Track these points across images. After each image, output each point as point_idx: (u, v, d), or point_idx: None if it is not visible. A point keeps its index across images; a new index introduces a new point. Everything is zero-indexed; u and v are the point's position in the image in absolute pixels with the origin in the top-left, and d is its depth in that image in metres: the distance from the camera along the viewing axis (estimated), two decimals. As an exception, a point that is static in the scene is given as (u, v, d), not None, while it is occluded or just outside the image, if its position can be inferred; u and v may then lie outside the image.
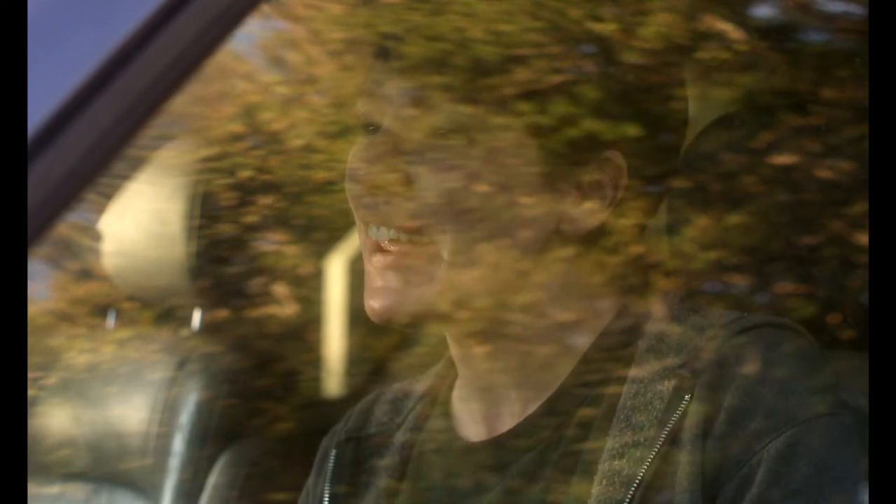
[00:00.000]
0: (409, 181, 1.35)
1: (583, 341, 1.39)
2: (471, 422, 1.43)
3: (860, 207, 1.51)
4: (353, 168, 1.37)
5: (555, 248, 1.37)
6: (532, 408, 1.38)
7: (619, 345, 1.37)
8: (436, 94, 1.35)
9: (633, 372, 1.34)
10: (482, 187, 1.33)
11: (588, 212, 1.36)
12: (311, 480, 1.54)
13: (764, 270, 1.58)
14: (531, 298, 1.37)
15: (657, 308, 1.39)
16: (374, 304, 1.36)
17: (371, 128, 1.38)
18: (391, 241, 1.35)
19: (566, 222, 1.36)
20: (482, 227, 1.33)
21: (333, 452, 1.49)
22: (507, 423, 1.39)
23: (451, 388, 1.47)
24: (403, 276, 1.35)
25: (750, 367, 1.30)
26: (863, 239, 1.50)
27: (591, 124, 1.36)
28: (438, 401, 1.47)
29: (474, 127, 1.34)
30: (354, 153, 1.38)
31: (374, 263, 1.36)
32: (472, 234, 1.34)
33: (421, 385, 1.51)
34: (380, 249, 1.36)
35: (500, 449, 1.38)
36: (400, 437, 1.47)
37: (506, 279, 1.36)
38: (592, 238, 1.37)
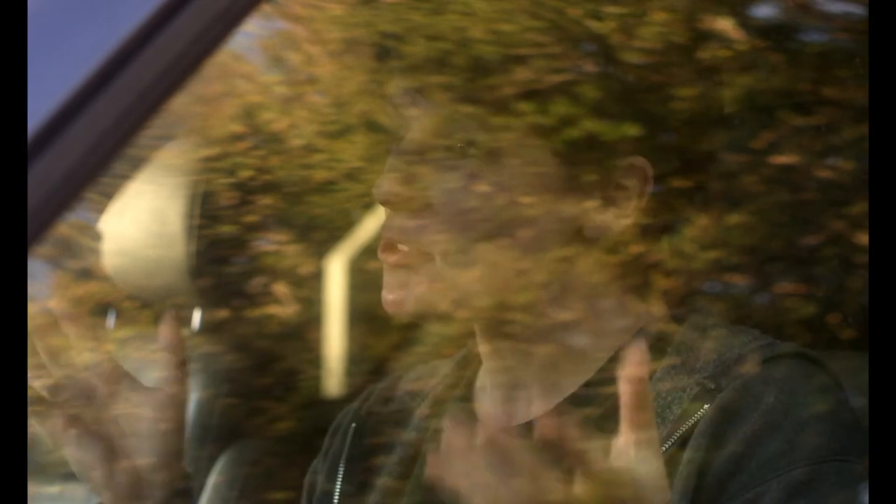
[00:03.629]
0: (427, 195, 1.36)
1: (611, 343, 1.40)
2: (491, 409, 1.44)
3: (860, 207, 1.51)
4: (378, 183, 1.39)
5: (583, 252, 1.38)
6: (553, 403, 1.39)
7: (651, 348, 1.37)
8: (444, 99, 1.36)
9: (655, 376, 1.35)
10: (505, 195, 1.35)
11: (612, 217, 1.37)
12: (320, 458, 1.54)
13: (764, 270, 1.58)
14: (561, 300, 1.38)
15: (685, 318, 1.39)
16: (387, 296, 1.39)
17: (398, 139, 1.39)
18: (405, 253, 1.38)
19: (590, 227, 1.37)
20: (501, 233, 1.35)
21: (353, 426, 1.51)
22: (528, 415, 1.40)
23: (474, 374, 1.49)
24: (411, 274, 1.37)
25: (775, 396, 1.29)
26: (863, 239, 1.50)
27: (615, 131, 1.37)
28: (461, 385, 1.49)
29: (495, 137, 1.35)
30: (386, 165, 1.40)
31: (386, 259, 1.39)
32: (489, 240, 1.35)
33: (444, 369, 1.53)
34: (391, 248, 1.39)
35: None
36: (420, 415, 1.49)
37: (528, 282, 1.37)
38: (621, 242, 1.38)
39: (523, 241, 1.36)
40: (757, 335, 1.36)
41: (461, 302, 1.37)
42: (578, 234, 1.37)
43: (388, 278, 1.39)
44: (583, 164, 1.36)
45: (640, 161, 1.37)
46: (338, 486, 1.48)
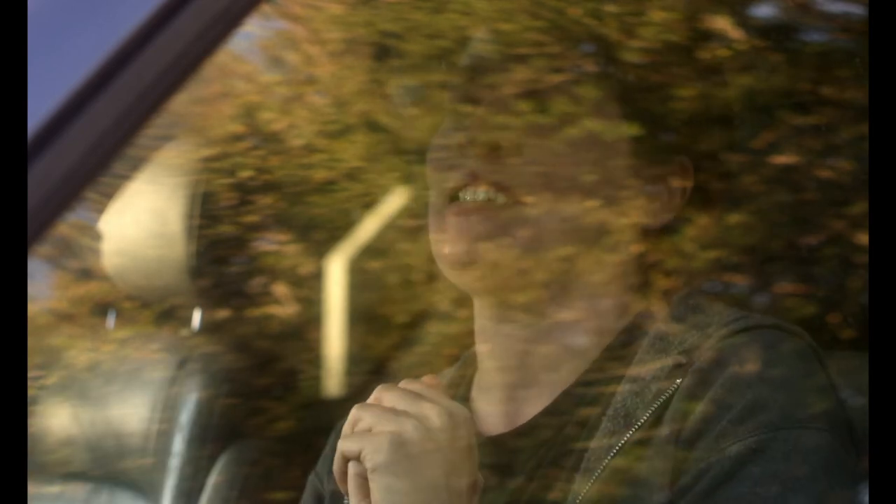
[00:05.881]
0: (509, 146, 1.37)
1: (603, 338, 1.41)
2: (490, 416, 1.44)
3: (860, 207, 1.51)
4: (452, 133, 1.38)
5: (612, 242, 1.39)
6: (548, 401, 1.40)
7: (636, 342, 1.38)
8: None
9: (635, 368, 1.35)
10: (575, 167, 1.36)
11: (655, 211, 1.40)
12: (324, 461, 1.54)
13: (764, 270, 1.58)
14: (559, 298, 1.39)
15: (665, 306, 1.40)
16: (450, 249, 1.37)
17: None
18: (485, 200, 1.37)
19: (631, 214, 1.39)
20: (568, 203, 1.35)
21: None
22: (527, 415, 1.41)
23: (469, 384, 1.49)
24: (484, 229, 1.36)
25: (737, 368, 1.30)
26: (863, 239, 1.50)
27: (680, 129, 1.39)
28: (462, 385, 1.49)
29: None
30: (447, 124, 1.39)
31: (456, 216, 1.38)
32: (556, 207, 1.36)
33: (448, 372, 1.53)
34: (465, 211, 1.38)
35: (518, 441, 1.40)
36: None
37: (562, 263, 1.38)
38: (643, 236, 1.40)
39: (578, 219, 1.37)
40: (734, 313, 1.37)
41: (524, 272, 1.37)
42: (622, 227, 1.38)
43: (454, 228, 1.38)
44: (643, 157, 1.38)
45: (685, 161, 1.41)
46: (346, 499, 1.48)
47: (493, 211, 1.37)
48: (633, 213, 1.39)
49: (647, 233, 1.41)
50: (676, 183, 1.41)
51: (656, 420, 1.31)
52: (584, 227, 1.38)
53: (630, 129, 1.38)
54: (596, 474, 1.31)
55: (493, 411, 1.44)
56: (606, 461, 1.31)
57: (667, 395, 1.31)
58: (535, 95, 1.37)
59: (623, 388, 1.35)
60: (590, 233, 1.38)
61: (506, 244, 1.36)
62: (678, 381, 1.31)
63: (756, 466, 1.26)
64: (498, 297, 1.41)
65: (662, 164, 1.41)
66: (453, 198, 1.38)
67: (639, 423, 1.31)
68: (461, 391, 1.49)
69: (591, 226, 1.38)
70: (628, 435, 1.31)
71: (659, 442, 1.30)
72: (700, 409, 1.29)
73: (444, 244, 1.38)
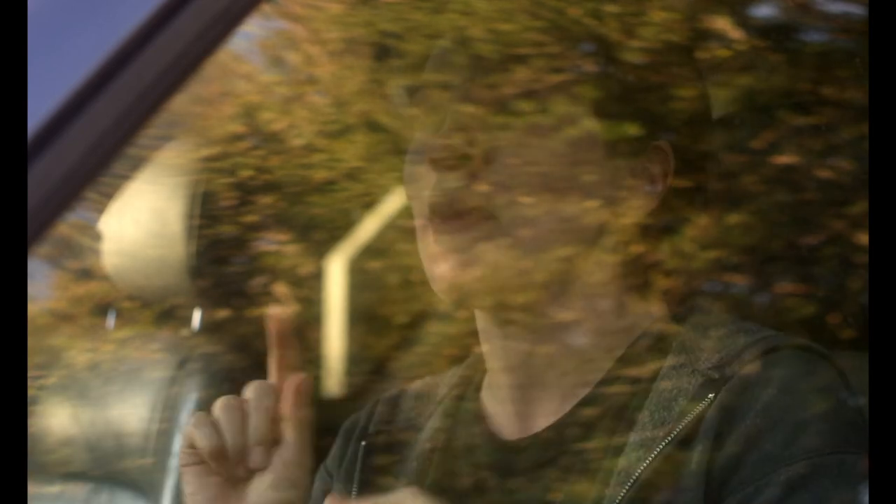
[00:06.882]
0: (481, 159, 1.34)
1: (613, 343, 1.39)
2: (503, 419, 1.42)
3: (860, 207, 1.51)
4: (430, 142, 1.36)
5: (607, 241, 1.38)
6: (569, 405, 1.38)
7: (656, 347, 1.37)
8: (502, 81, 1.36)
9: (660, 382, 1.34)
10: (547, 167, 1.34)
11: (638, 201, 1.37)
12: (333, 462, 1.54)
13: (764, 270, 1.58)
14: (577, 289, 1.38)
15: (688, 317, 1.39)
16: (441, 268, 1.35)
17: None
18: (464, 211, 1.34)
19: (618, 210, 1.37)
20: (545, 208, 1.34)
21: (363, 445, 1.49)
22: (543, 421, 1.39)
23: (479, 385, 1.47)
24: (467, 248, 1.34)
25: (773, 391, 1.29)
26: (863, 239, 1.50)
27: (650, 113, 1.37)
28: (467, 397, 1.47)
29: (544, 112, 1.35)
30: (427, 136, 1.37)
31: (441, 234, 1.35)
32: (533, 213, 1.34)
33: (447, 382, 1.51)
34: (443, 224, 1.35)
35: (537, 447, 1.38)
36: (428, 432, 1.47)
37: (558, 264, 1.36)
38: (640, 235, 1.39)
39: (558, 222, 1.35)
40: (758, 329, 1.36)
41: (513, 282, 1.36)
42: (608, 224, 1.37)
43: (442, 247, 1.35)
44: (615, 145, 1.36)
45: (663, 144, 1.38)
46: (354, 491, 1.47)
47: (467, 231, 1.34)
48: (615, 210, 1.37)
49: (643, 231, 1.39)
50: (656, 171, 1.38)
51: (687, 438, 1.29)
52: (568, 228, 1.36)
53: (607, 127, 1.37)
54: (626, 488, 1.30)
55: (502, 412, 1.42)
56: (636, 476, 1.30)
57: (697, 411, 1.30)
58: (518, 98, 1.36)
59: (647, 402, 1.34)
60: (575, 234, 1.37)
61: (489, 256, 1.34)
62: (710, 396, 1.30)
63: (807, 493, 1.26)
64: (494, 309, 1.40)
65: (638, 154, 1.38)
66: (433, 211, 1.36)
67: (667, 441, 1.29)
68: (469, 391, 1.48)
69: (576, 226, 1.37)
70: (656, 452, 1.30)
71: (690, 461, 1.29)
72: (737, 430, 1.28)
73: (436, 261, 1.36)
